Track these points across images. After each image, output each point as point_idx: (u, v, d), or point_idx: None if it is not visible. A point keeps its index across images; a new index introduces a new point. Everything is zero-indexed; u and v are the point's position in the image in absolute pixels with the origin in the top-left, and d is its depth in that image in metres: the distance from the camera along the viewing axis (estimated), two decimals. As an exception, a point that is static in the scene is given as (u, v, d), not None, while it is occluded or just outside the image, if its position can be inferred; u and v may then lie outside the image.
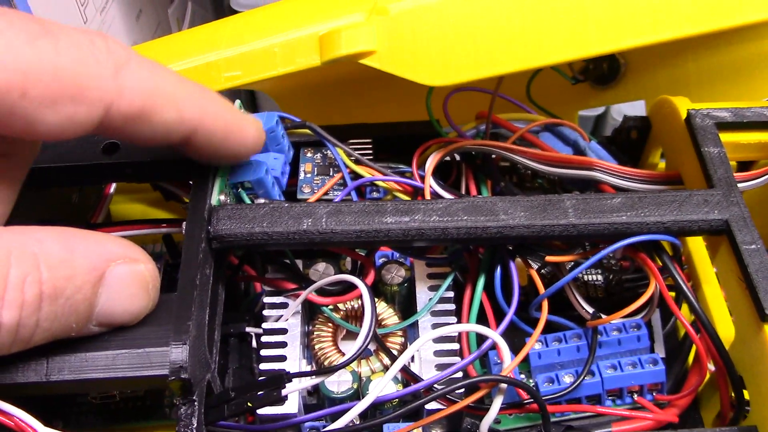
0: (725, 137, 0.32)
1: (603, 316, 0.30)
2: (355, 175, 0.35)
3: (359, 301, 0.33)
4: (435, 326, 0.32)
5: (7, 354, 0.23)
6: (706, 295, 0.30)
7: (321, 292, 0.32)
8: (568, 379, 0.30)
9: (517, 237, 0.29)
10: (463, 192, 0.36)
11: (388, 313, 0.33)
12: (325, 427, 0.30)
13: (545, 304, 0.30)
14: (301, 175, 0.36)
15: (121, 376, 0.24)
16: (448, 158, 0.36)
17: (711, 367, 0.29)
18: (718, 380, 0.29)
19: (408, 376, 0.30)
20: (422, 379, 0.29)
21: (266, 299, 0.33)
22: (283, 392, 0.27)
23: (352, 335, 0.34)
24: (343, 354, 0.32)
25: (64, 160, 0.32)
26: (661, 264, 0.30)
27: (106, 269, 0.24)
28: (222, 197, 0.30)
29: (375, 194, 0.35)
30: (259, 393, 0.27)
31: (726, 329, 0.29)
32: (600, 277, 0.37)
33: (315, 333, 0.33)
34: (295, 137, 0.37)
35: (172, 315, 0.26)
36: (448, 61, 0.31)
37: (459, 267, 0.33)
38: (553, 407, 0.29)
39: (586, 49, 0.31)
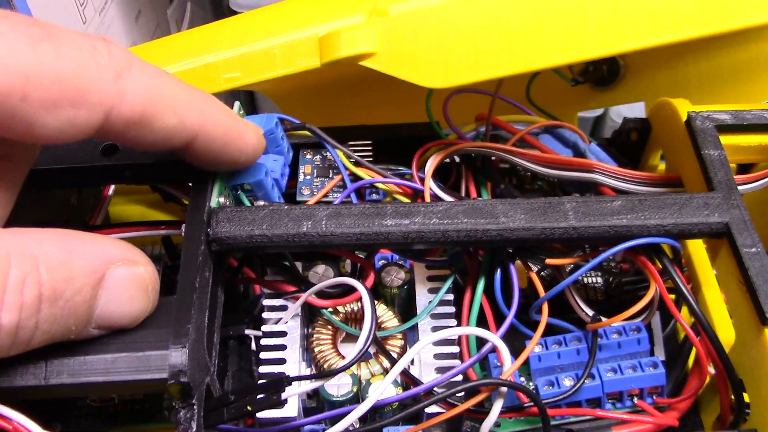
0: (725, 140, 0.32)
1: (603, 319, 0.30)
2: (355, 177, 0.35)
3: (359, 304, 0.33)
4: (435, 329, 0.32)
5: (6, 356, 0.23)
6: (706, 298, 0.30)
7: (320, 294, 0.32)
8: (568, 382, 0.30)
9: (517, 240, 0.29)
10: (463, 194, 0.36)
11: (387, 316, 0.33)
12: (324, 430, 0.30)
13: (545, 307, 0.30)
14: (301, 177, 0.36)
15: (120, 380, 0.24)
16: (447, 160, 0.36)
17: (711, 370, 0.29)
18: (718, 383, 0.29)
19: (408, 380, 0.30)
20: (422, 383, 0.29)
21: (266, 302, 0.33)
22: (283, 395, 0.27)
23: (351, 338, 0.34)
24: (343, 357, 0.32)
25: (63, 161, 0.32)
26: (661, 267, 0.30)
27: (105, 271, 0.24)
28: (221, 199, 0.30)
29: (375, 196, 0.35)
30: (258, 396, 0.27)
31: (726, 332, 0.29)
32: (600, 280, 0.37)
33: (314, 336, 0.33)
34: (294, 139, 0.37)
35: (172, 318, 0.25)
36: (448, 63, 0.31)
37: (459, 270, 0.33)
38: (554, 410, 0.29)
39: (587, 52, 0.31)
